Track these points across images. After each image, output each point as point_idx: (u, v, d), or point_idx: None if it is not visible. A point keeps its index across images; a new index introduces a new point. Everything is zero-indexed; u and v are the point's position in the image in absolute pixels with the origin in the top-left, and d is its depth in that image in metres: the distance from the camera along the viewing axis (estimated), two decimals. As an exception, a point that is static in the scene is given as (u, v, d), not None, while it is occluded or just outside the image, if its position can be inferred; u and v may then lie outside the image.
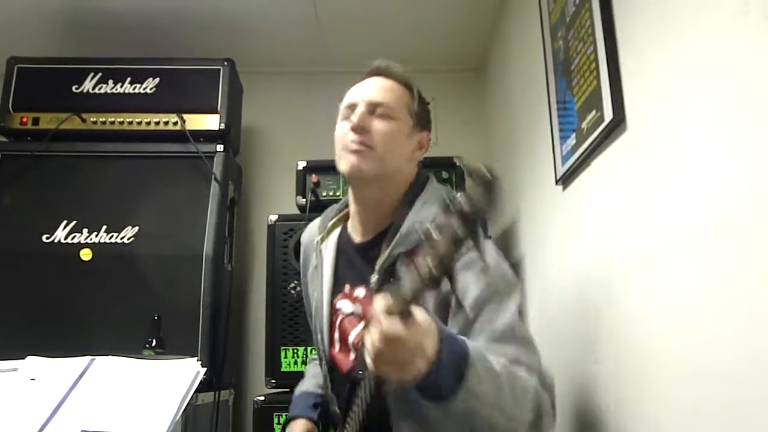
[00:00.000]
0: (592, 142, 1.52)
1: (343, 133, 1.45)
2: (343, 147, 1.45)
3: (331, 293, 1.53)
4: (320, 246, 1.59)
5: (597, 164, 1.56)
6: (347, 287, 1.51)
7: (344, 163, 1.44)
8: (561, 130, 1.80)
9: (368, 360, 1.01)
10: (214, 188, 2.45)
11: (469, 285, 1.29)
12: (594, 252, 1.58)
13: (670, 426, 1.18)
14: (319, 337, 1.56)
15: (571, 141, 1.69)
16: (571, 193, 1.78)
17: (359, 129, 1.42)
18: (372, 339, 0.98)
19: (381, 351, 0.98)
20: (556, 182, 1.84)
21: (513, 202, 2.48)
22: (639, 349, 1.31)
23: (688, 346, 1.11)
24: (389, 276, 1.35)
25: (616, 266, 1.44)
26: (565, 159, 1.76)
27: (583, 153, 1.59)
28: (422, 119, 1.52)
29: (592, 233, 1.60)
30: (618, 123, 1.40)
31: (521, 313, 2.21)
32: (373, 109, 1.44)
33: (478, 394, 1.08)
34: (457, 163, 2.53)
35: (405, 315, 0.96)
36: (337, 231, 1.60)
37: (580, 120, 1.61)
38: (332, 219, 1.62)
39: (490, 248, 1.39)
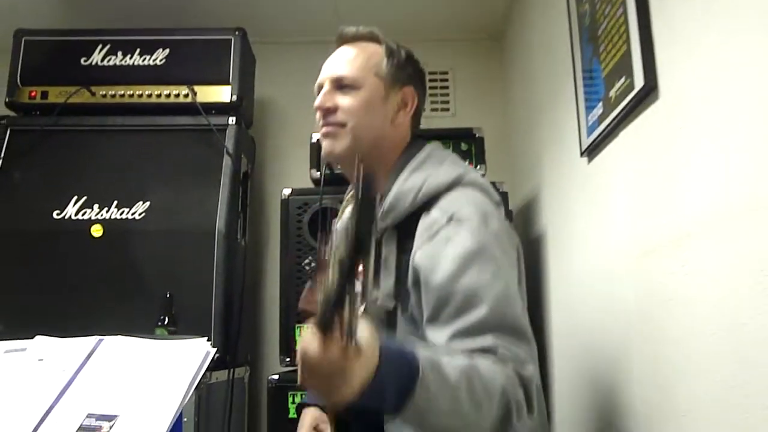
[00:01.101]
0: (620, 112, 1.44)
1: (317, 116, 1.41)
2: (319, 130, 1.41)
3: None
4: (335, 227, 1.55)
5: (626, 135, 1.48)
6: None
7: (322, 146, 1.40)
8: (587, 99, 1.71)
9: (300, 379, 0.91)
10: (227, 162, 2.39)
11: (440, 259, 1.20)
12: (622, 228, 1.51)
13: (709, 408, 1.11)
14: None
15: (598, 110, 1.60)
16: (597, 165, 1.70)
17: (324, 110, 1.38)
18: (298, 357, 0.89)
19: (302, 369, 0.89)
20: (581, 154, 1.76)
21: (534, 176, 2.40)
22: (671, 330, 1.24)
23: (727, 329, 1.04)
24: (378, 253, 1.29)
25: (646, 243, 1.36)
26: (590, 129, 1.67)
27: (610, 123, 1.51)
28: (400, 76, 1.42)
29: (619, 208, 1.52)
30: (649, 90, 1.31)
31: (535, 293, 2.17)
32: (338, 84, 1.39)
33: (430, 410, 1.00)
34: (477, 134, 2.45)
35: (326, 332, 0.84)
36: (350, 208, 1.55)
37: (608, 88, 1.52)
38: (344, 199, 1.58)
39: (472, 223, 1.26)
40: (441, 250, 1.22)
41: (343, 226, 0.77)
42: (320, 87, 1.41)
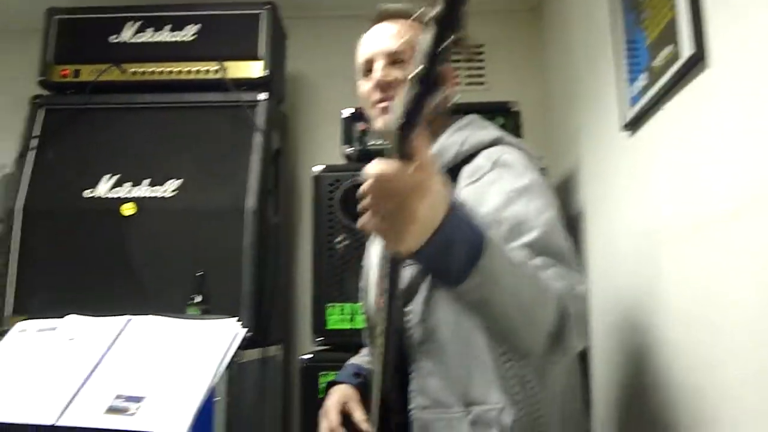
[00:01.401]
0: (666, 82, 1.36)
1: (368, 91, 1.41)
2: (371, 106, 1.40)
3: (383, 246, 1.47)
4: None
5: (671, 107, 1.40)
6: None
7: (378, 122, 1.39)
8: (629, 70, 1.62)
9: (362, 221, 0.87)
10: (258, 138, 2.35)
11: (486, 197, 1.19)
12: (667, 205, 1.43)
13: (748, 392, 1.05)
14: (367, 293, 1.52)
15: (641, 81, 1.52)
16: (639, 139, 1.62)
17: (383, 85, 1.37)
18: (362, 189, 0.85)
19: (372, 198, 0.84)
20: (623, 128, 1.68)
21: (573, 151, 2.32)
22: (719, 308, 1.17)
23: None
24: None
25: (692, 221, 1.29)
26: (633, 102, 1.59)
27: (655, 95, 1.43)
28: None
29: (664, 184, 1.45)
30: (698, 59, 1.23)
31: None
32: (391, 59, 1.39)
33: (495, 281, 0.94)
34: (512, 108, 2.38)
35: (405, 148, 0.81)
36: None
37: (652, 57, 1.44)
38: None
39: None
40: (486, 189, 1.21)
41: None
42: (369, 62, 1.42)
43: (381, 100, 1.38)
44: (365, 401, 1.46)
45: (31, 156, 2.39)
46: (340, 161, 2.45)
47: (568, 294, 1.06)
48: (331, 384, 1.56)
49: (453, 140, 1.34)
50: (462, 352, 1.22)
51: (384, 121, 1.38)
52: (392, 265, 1.04)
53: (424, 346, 1.26)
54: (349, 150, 2.42)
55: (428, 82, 0.75)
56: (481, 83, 3.01)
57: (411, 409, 1.26)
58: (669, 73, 1.33)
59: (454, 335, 1.23)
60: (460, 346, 1.22)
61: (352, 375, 1.55)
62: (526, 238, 1.12)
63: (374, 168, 0.83)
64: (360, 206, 0.86)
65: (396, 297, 1.11)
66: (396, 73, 1.37)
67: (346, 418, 1.45)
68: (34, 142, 2.39)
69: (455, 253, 0.90)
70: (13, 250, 2.27)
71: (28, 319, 1.73)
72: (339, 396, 1.50)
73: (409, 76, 0.76)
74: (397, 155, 0.82)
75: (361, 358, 1.65)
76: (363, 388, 1.51)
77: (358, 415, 1.43)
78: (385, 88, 1.37)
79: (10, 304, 2.23)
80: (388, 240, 0.88)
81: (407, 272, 1.25)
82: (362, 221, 0.87)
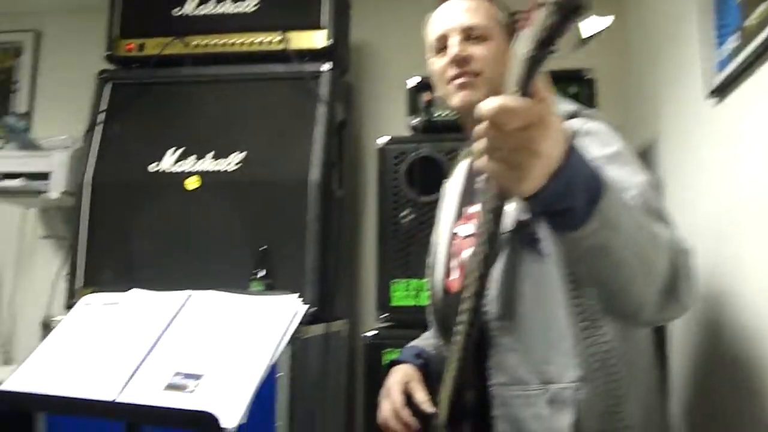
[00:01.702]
0: (760, 44, 1.23)
1: (442, 68, 1.38)
2: (446, 83, 1.37)
3: (453, 223, 1.46)
4: (445, 185, 1.55)
5: (765, 72, 1.27)
6: (467, 211, 1.42)
7: (455, 99, 1.36)
8: (717, 32, 1.49)
9: (479, 162, 0.82)
10: (321, 110, 2.30)
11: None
12: (753, 180, 1.31)
13: None
14: (434, 269, 1.48)
15: (731, 44, 1.39)
16: (726, 108, 1.49)
17: (460, 60, 1.34)
18: (478, 131, 0.79)
19: (491, 137, 0.78)
20: (708, 95, 1.55)
21: (652, 121, 2.18)
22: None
23: None
24: None
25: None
26: (720, 66, 1.46)
27: (746, 58, 1.30)
28: (511, 30, 1.39)
29: (751, 158, 1.33)
30: (799, 17, 1.11)
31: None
32: (466, 34, 1.36)
33: (614, 224, 0.88)
34: (587, 76, 2.25)
35: (525, 91, 0.78)
36: (465, 162, 1.52)
37: (744, 16, 1.31)
38: (461, 154, 1.56)
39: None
40: None
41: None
42: (442, 39, 1.39)
43: (457, 76, 1.35)
44: (427, 383, 1.41)
45: (98, 130, 2.41)
46: (406, 133, 2.38)
47: (678, 248, 1.00)
48: (393, 363, 1.51)
49: None
50: (542, 327, 1.19)
51: (462, 99, 1.34)
52: (494, 217, 0.97)
53: (502, 321, 1.23)
54: (414, 121, 2.34)
55: (568, 10, 0.72)
56: (553, 51, 2.87)
57: (491, 386, 1.24)
58: (764, 34, 1.21)
59: (534, 309, 1.20)
60: (540, 321, 1.20)
61: (414, 356, 1.50)
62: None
63: (493, 103, 0.77)
64: (476, 148, 0.81)
65: (493, 257, 1.05)
66: (472, 49, 1.35)
67: (407, 398, 1.40)
68: (102, 117, 2.42)
69: (576, 193, 0.85)
70: (83, 224, 2.31)
71: (95, 292, 1.74)
72: (401, 375, 1.45)
73: (550, 1, 0.72)
74: (520, 88, 0.78)
75: (424, 341, 1.59)
76: (425, 369, 1.46)
77: (420, 395, 1.38)
78: (462, 63, 1.34)
79: (81, 277, 2.27)
80: (507, 181, 0.82)
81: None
82: (479, 163, 0.82)
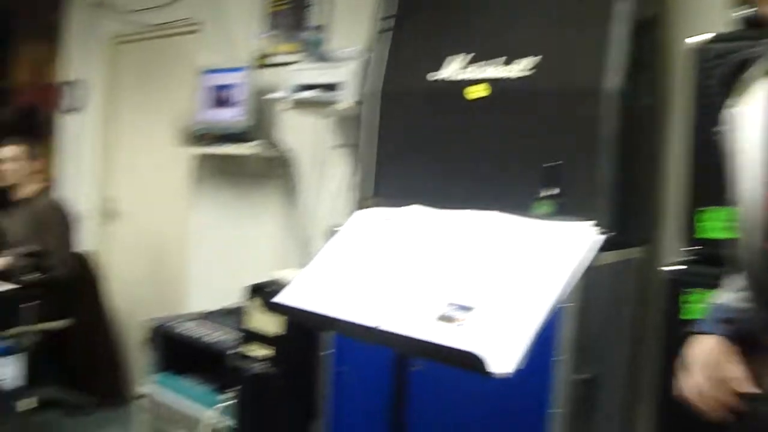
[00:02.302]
0: None
1: None
2: None
3: None
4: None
5: None
6: None
7: None
8: None
9: None
10: (623, 5, 1.98)
11: None
12: None
13: None
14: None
15: None
16: None
17: None
18: None
19: None
20: None
21: None
22: None
23: None
24: None
25: None
26: None
27: None
28: None
29: None
30: None
31: None
32: None
33: None
34: None
35: None
36: None
37: None
38: None
39: None
40: None
41: None
42: None
43: None
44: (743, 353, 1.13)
45: (385, 39, 2.36)
46: (726, 30, 1.96)
47: None
48: (692, 334, 1.24)
49: None
50: None
51: None
52: None
53: None
54: (740, 14, 1.91)
55: None
56: None
57: None
58: None
59: None
60: None
61: (720, 323, 1.21)
62: None
63: None
64: None
65: None
66: None
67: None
68: (389, 23, 2.36)
69: None
70: (369, 134, 2.31)
71: (377, 205, 1.72)
72: (706, 354, 1.18)
73: None
74: None
75: (731, 295, 1.27)
76: (736, 337, 1.17)
77: (735, 372, 1.12)
78: None
79: (366, 187, 2.29)
80: None
81: None
82: None
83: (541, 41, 2.06)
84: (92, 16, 4.45)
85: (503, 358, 1.06)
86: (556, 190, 1.89)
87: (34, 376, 2.89)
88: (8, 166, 3.54)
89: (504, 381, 1.06)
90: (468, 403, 1.87)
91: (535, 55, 2.06)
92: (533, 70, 2.05)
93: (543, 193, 1.88)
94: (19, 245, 3.22)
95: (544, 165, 1.89)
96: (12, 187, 3.60)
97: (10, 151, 3.55)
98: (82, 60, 4.57)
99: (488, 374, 1.05)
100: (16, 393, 2.94)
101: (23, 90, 4.68)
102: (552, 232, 1.30)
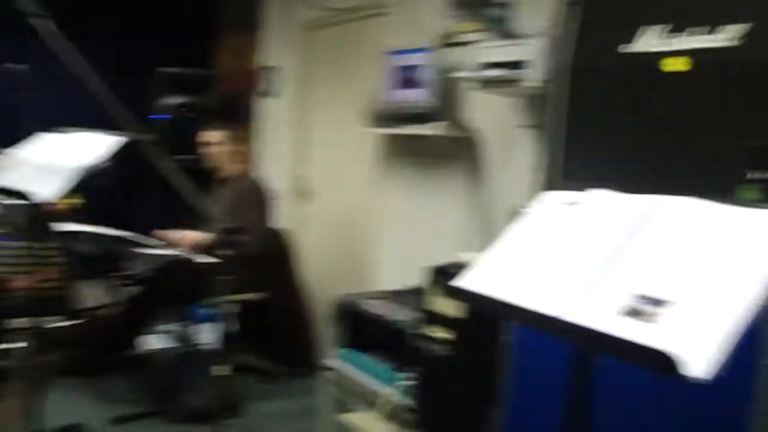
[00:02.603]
0: None
1: None
2: None
3: None
4: None
5: None
6: None
7: None
8: None
9: None
10: None
11: None
12: None
13: None
14: None
15: None
16: None
17: None
18: None
19: None
20: None
21: None
22: None
23: None
24: None
25: None
26: None
27: None
28: None
29: None
30: None
31: None
32: None
33: None
34: None
35: None
36: None
37: None
38: None
39: None
40: None
41: None
42: None
43: None
44: None
45: (574, 11, 2.22)
46: None
47: None
48: None
49: None
50: None
51: None
52: None
53: None
54: None
55: None
56: None
57: None
58: None
59: None
60: None
61: None
62: None
63: None
64: None
65: None
66: None
67: None
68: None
69: None
70: (559, 113, 2.20)
71: (565, 188, 1.63)
72: None
73: None
74: None
75: None
76: None
77: None
78: None
79: (555, 169, 2.19)
80: None
81: None
82: None
83: (751, 5, 1.83)
84: (287, 4, 4.68)
85: (701, 360, 0.95)
86: (766, 174, 1.69)
87: (232, 344, 3.11)
88: (214, 149, 3.84)
89: (700, 386, 0.96)
90: (657, 408, 1.73)
91: (745, 22, 1.83)
92: (742, 40, 1.83)
93: (749, 177, 1.68)
94: (220, 222, 3.47)
95: (752, 144, 1.68)
96: (217, 168, 3.90)
97: (215, 135, 3.85)
98: (278, 47, 4.83)
99: (683, 378, 0.95)
100: (214, 357, 3.19)
101: (226, 77, 5.03)
102: (759, 221, 1.15)
